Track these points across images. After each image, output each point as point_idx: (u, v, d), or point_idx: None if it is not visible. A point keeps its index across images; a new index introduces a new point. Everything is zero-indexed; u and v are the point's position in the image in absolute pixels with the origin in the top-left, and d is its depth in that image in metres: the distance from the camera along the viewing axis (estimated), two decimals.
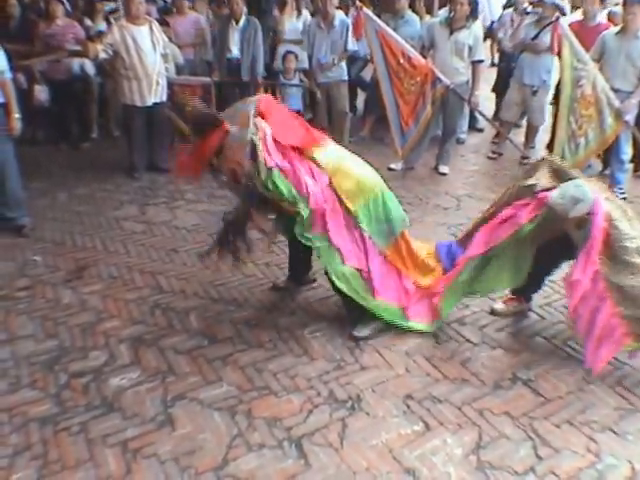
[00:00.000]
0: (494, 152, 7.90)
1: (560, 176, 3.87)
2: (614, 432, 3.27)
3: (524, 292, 4.34)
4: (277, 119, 3.80)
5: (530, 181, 3.90)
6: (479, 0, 7.21)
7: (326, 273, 4.04)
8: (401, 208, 4.22)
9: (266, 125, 3.69)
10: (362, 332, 4.06)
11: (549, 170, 3.92)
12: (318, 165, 3.80)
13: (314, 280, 4.76)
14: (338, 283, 3.96)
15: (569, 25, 7.39)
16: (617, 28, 6.52)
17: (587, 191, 3.59)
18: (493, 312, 4.37)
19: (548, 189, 3.74)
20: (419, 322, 4.13)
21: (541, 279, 4.31)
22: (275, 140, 3.69)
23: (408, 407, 3.42)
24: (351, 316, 4.15)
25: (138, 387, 3.55)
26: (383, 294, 4.06)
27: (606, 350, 3.58)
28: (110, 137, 8.52)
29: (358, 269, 3.97)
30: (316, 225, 3.82)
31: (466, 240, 4.21)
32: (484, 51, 7.17)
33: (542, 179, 3.86)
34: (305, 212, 3.71)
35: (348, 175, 3.89)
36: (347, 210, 3.89)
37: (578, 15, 7.92)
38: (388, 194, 4.07)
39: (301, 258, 4.57)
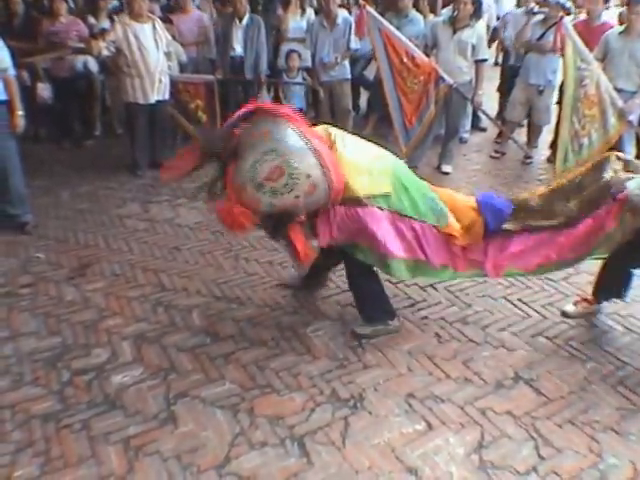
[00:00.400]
0: (497, 151, 7.89)
1: (631, 169, 3.82)
2: (616, 432, 3.26)
3: (598, 293, 4.29)
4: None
5: (605, 176, 3.77)
6: (484, 0, 7.21)
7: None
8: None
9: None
10: (364, 330, 4.07)
11: (619, 164, 3.84)
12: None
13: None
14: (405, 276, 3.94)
15: (574, 25, 7.40)
16: (621, 28, 6.51)
17: None
18: (564, 314, 4.33)
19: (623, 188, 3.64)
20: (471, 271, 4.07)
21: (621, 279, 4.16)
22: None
23: (410, 406, 3.42)
24: (362, 313, 4.14)
25: (140, 384, 3.55)
26: (440, 261, 3.94)
27: None
28: (113, 135, 8.53)
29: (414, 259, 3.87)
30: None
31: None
32: (487, 50, 7.15)
33: (619, 172, 3.78)
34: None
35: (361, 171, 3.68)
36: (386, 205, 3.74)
37: (583, 15, 7.92)
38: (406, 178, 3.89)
39: (327, 269, 4.59)
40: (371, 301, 4.11)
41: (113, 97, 8.30)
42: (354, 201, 3.63)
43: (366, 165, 3.70)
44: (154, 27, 6.56)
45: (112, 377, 3.61)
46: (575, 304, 4.37)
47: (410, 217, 3.81)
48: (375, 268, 3.98)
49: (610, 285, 4.18)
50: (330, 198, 3.52)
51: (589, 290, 4.41)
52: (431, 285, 4.67)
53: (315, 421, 3.30)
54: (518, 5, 9.37)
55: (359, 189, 3.62)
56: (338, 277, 4.74)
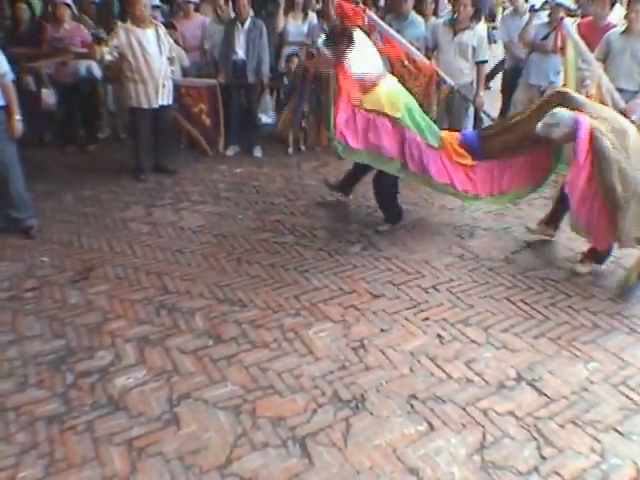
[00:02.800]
0: None
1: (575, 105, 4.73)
2: (618, 432, 3.26)
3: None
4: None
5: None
6: None
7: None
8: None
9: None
10: (383, 227, 5.67)
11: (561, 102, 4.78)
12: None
13: (344, 201, 6.39)
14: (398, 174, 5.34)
15: (579, 25, 7.42)
16: (622, 28, 6.51)
17: (563, 115, 4.52)
18: (576, 273, 4.95)
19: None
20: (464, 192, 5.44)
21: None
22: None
23: (412, 407, 3.43)
24: (385, 213, 5.78)
25: (144, 386, 3.57)
26: (439, 178, 5.33)
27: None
28: (116, 139, 8.56)
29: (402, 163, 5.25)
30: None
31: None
32: (488, 52, 7.17)
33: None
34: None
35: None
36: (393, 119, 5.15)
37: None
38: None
39: (353, 179, 6.24)
40: (392, 217, 5.73)
41: (117, 102, 8.33)
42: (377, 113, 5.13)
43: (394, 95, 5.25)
44: (157, 32, 6.59)
45: (116, 379, 3.63)
46: (582, 263, 5.00)
47: (415, 134, 5.20)
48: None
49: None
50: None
51: (591, 290, 4.54)
52: (433, 287, 4.70)
53: (317, 422, 3.31)
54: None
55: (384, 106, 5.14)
56: (340, 279, 4.78)
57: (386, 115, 5.14)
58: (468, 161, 5.41)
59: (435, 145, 5.32)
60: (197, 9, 8.70)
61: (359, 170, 6.04)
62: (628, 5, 6.47)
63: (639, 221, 4.46)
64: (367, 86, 5.15)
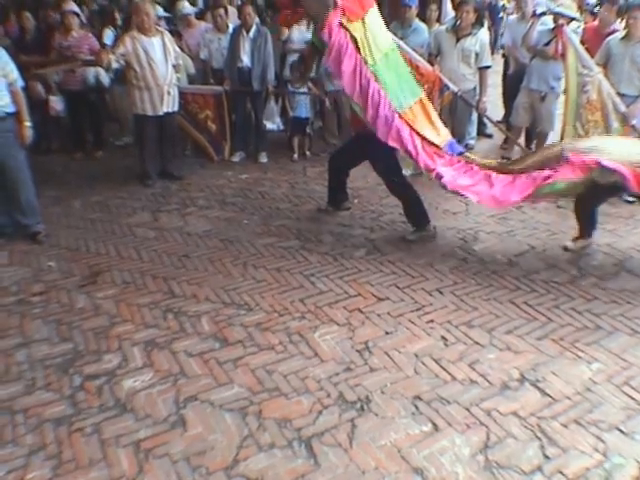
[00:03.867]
0: (503, 157, 7.87)
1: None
2: (621, 431, 3.29)
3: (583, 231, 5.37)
4: None
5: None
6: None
7: None
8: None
9: None
10: (412, 236, 5.59)
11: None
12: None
13: (349, 208, 6.25)
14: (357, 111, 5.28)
15: (585, 29, 7.49)
16: (622, 33, 6.57)
17: None
18: (565, 248, 5.38)
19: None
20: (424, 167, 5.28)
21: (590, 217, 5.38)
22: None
23: (417, 408, 3.46)
24: (409, 219, 5.71)
25: (151, 389, 3.61)
26: (391, 141, 5.20)
27: None
28: (123, 146, 8.61)
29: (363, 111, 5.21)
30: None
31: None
32: (490, 57, 7.22)
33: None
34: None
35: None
36: (365, 62, 5.14)
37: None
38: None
39: (338, 186, 6.11)
40: (413, 204, 5.62)
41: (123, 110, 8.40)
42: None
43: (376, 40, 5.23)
44: (163, 40, 6.66)
45: (123, 382, 3.67)
46: (574, 241, 5.38)
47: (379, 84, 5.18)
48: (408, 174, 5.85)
49: (584, 223, 5.36)
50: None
51: (593, 292, 4.61)
52: (437, 290, 4.73)
53: (322, 423, 3.34)
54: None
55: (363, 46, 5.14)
56: (345, 282, 4.81)
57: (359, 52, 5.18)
58: (437, 139, 5.38)
59: (397, 110, 5.23)
60: (202, 17, 8.79)
61: (334, 176, 6.08)
62: (627, 12, 6.54)
63: None
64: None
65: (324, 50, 5.24)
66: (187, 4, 8.78)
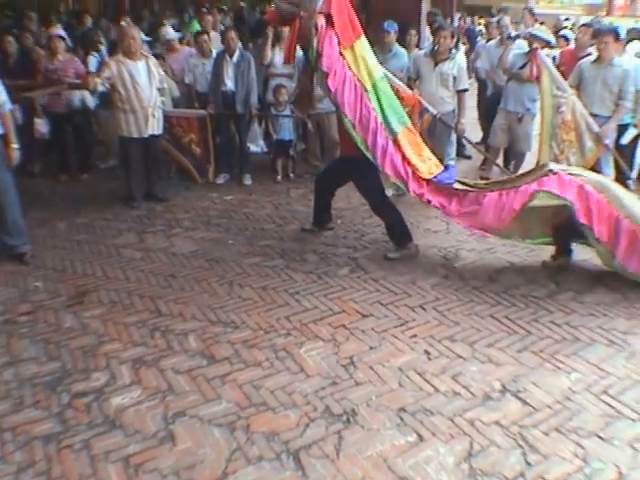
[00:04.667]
0: (482, 177, 8.03)
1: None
2: (601, 438, 3.38)
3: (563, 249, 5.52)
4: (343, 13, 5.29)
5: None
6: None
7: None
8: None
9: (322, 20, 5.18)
10: (394, 255, 5.66)
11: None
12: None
13: (332, 228, 6.35)
14: (355, 138, 5.39)
15: (562, 53, 7.71)
16: (594, 57, 6.79)
17: None
18: (544, 264, 5.53)
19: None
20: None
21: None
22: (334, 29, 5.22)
23: (402, 419, 3.53)
24: (392, 238, 5.81)
25: (139, 405, 3.64)
26: (387, 168, 5.41)
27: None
28: (108, 169, 8.63)
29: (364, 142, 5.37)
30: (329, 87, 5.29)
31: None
32: (467, 80, 7.39)
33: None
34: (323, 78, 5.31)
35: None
36: (365, 90, 5.33)
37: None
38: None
39: (324, 206, 6.22)
40: (395, 223, 5.76)
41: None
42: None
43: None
44: (147, 64, 6.76)
45: (111, 399, 3.70)
46: (552, 258, 5.53)
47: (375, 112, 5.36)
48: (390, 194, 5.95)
49: (563, 243, 5.49)
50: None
51: (571, 305, 4.78)
52: (420, 306, 4.82)
53: (309, 436, 3.40)
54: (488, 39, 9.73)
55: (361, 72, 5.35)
56: (330, 300, 4.89)
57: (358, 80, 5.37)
58: (424, 169, 5.51)
59: (390, 137, 5.41)
60: (187, 42, 8.93)
61: (321, 197, 6.22)
62: (596, 37, 6.77)
63: None
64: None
65: (318, 72, 5.40)
66: (170, 29, 8.91)
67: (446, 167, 5.86)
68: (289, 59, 5.76)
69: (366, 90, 5.36)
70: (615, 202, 4.92)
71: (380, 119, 5.38)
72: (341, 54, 5.29)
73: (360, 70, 5.35)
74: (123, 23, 9.91)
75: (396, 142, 5.43)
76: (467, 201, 5.38)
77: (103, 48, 9.18)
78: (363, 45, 5.48)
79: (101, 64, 7.82)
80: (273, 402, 3.68)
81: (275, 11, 5.69)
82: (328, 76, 5.27)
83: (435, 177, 5.46)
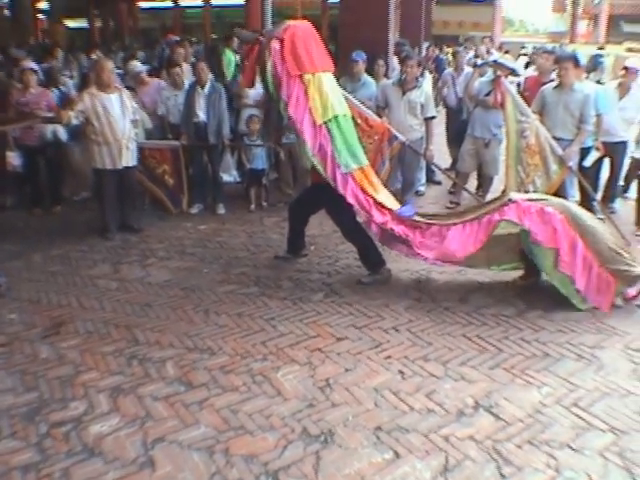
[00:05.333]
0: (452, 202, 8.22)
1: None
2: (572, 448, 3.49)
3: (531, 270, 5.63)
4: (299, 42, 5.39)
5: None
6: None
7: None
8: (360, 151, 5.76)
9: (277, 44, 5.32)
10: (367, 279, 5.78)
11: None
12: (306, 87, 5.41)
13: (306, 255, 6.41)
14: (315, 165, 5.52)
15: (526, 80, 7.94)
16: (555, 82, 7.02)
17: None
18: (514, 284, 5.70)
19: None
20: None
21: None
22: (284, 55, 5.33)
23: (378, 438, 3.59)
24: (365, 264, 5.89)
25: (118, 433, 3.66)
26: (350, 197, 5.49)
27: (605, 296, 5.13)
28: (82, 200, 8.62)
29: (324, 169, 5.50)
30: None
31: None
32: (435, 108, 7.56)
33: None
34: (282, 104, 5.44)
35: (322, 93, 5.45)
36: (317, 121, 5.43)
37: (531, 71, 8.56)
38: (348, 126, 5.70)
39: (298, 234, 6.29)
40: (367, 248, 5.84)
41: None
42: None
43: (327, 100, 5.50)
44: (121, 97, 6.85)
45: (90, 427, 3.71)
46: (521, 278, 5.72)
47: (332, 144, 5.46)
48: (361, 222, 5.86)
49: (530, 264, 5.50)
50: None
51: (540, 323, 4.93)
52: (393, 328, 4.91)
53: (288, 457, 3.45)
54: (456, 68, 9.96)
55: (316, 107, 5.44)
56: (305, 324, 4.96)
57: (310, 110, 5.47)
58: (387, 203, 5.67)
59: (343, 170, 5.50)
60: (157, 74, 9.02)
61: (295, 225, 6.30)
62: (557, 63, 7.00)
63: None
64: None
65: (279, 102, 5.50)
66: (138, 63, 9.01)
67: (405, 202, 6.16)
68: (249, 83, 5.88)
69: (319, 122, 5.45)
70: (574, 222, 5.10)
71: (335, 154, 5.48)
72: (301, 81, 5.41)
73: (314, 101, 5.44)
74: (94, 56, 10.00)
75: (352, 176, 5.54)
76: (429, 233, 5.52)
77: (70, 82, 9.28)
78: (324, 80, 5.56)
79: (63, 99, 7.95)
80: (251, 425, 3.72)
81: (237, 34, 5.94)
82: (288, 103, 5.39)
83: (396, 211, 5.62)
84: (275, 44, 5.33)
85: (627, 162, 7.94)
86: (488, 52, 10.40)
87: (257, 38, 5.47)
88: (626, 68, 7.60)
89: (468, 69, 9.31)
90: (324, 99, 5.48)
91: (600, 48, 21.30)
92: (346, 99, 6.29)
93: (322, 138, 5.46)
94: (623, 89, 7.57)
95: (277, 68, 5.35)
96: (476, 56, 9.75)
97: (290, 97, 5.38)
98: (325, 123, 5.47)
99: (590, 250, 5.09)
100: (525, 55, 20.20)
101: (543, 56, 7.96)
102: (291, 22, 5.50)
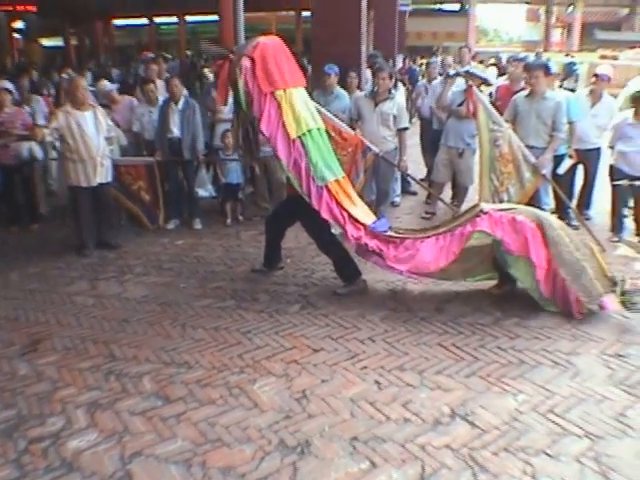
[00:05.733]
0: (427, 212, 8.29)
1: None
2: (548, 455, 3.53)
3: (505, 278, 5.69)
4: (269, 59, 5.44)
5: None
6: None
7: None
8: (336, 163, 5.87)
9: (248, 62, 5.36)
10: (343, 290, 5.83)
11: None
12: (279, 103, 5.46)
13: (282, 267, 6.46)
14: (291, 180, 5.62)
15: (498, 89, 8.04)
16: (527, 91, 7.12)
17: None
18: (490, 291, 5.75)
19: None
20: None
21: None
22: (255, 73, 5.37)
23: (354, 448, 3.62)
24: (341, 275, 5.96)
25: (96, 448, 3.67)
26: (324, 212, 5.56)
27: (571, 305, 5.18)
28: (59, 217, 8.57)
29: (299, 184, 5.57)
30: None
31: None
32: (408, 119, 7.63)
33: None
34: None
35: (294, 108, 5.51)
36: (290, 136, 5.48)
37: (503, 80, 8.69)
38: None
39: (275, 247, 6.33)
40: (343, 260, 5.90)
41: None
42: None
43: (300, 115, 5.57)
44: (95, 114, 6.87)
45: (68, 443, 3.72)
46: (496, 287, 5.75)
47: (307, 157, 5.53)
48: (336, 233, 5.96)
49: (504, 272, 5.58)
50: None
51: (516, 330, 4.98)
52: (369, 338, 4.95)
53: (265, 468, 3.48)
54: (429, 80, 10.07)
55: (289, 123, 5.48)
56: (281, 337, 4.99)
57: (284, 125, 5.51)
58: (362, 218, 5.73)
59: (319, 183, 5.57)
60: (133, 92, 9.04)
61: (272, 238, 6.33)
62: (528, 71, 7.11)
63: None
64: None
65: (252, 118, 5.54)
66: (107, 82, 9.03)
67: (379, 217, 6.21)
68: (222, 101, 5.91)
69: (293, 136, 5.50)
70: (544, 231, 5.18)
71: (311, 167, 5.54)
72: (274, 97, 5.45)
73: (287, 116, 5.49)
74: (65, 75, 10.02)
75: (327, 189, 5.60)
76: (403, 247, 5.58)
77: (40, 99, 9.27)
78: (295, 95, 5.63)
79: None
80: (228, 438, 3.74)
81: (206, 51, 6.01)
82: (260, 120, 5.44)
83: (370, 225, 5.69)
84: (246, 62, 5.36)
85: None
86: (455, 61, 10.48)
87: (227, 55, 5.50)
88: (596, 75, 7.72)
89: (437, 80, 9.46)
90: (297, 114, 5.53)
91: (567, 55, 21.63)
92: (319, 112, 6.35)
93: (296, 153, 5.51)
94: (595, 96, 7.67)
95: (248, 85, 5.39)
96: (442, 66, 9.81)
97: (262, 114, 5.42)
98: (299, 137, 5.52)
99: (557, 261, 5.15)
100: (495, 65, 20.40)
101: (513, 64, 8.06)
102: (261, 38, 5.54)
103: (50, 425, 3.91)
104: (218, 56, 5.67)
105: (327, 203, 5.56)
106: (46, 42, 31.64)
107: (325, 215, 5.57)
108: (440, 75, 9.46)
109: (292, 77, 5.63)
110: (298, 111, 5.54)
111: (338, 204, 5.62)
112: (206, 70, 11.25)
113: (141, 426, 3.88)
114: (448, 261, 5.35)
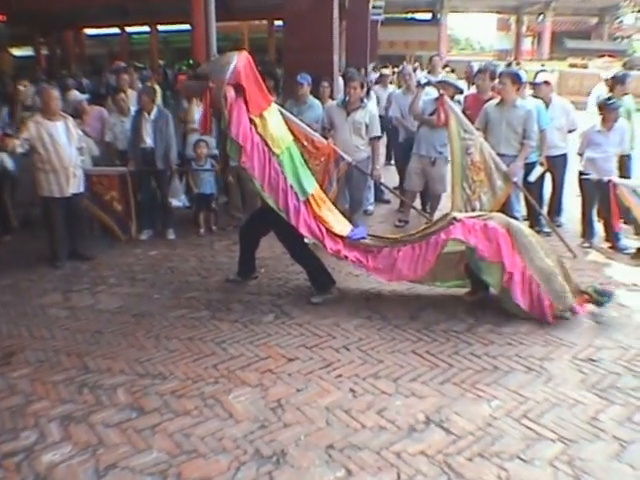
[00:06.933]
0: (400, 220, 8.33)
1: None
2: (522, 459, 3.57)
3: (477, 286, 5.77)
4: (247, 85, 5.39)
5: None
6: None
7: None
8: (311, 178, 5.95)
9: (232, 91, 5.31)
10: (317, 299, 5.84)
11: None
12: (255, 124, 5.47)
13: (256, 277, 6.47)
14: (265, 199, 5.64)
15: (466, 98, 8.12)
16: (497, 99, 7.20)
17: None
18: (463, 298, 5.82)
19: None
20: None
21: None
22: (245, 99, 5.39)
23: (330, 456, 3.64)
24: (314, 284, 5.98)
25: (70, 461, 3.65)
26: (302, 228, 5.64)
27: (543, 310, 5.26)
28: (31, 229, 8.49)
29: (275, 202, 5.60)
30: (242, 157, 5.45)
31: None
32: (379, 128, 7.68)
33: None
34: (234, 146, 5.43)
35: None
36: (273, 154, 5.55)
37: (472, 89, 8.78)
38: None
39: (249, 256, 6.36)
40: (316, 269, 5.96)
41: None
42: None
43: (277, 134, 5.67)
44: (66, 124, 6.83)
45: (42, 457, 3.69)
46: (469, 294, 5.84)
47: (284, 175, 5.60)
48: (309, 243, 5.96)
49: (477, 280, 5.68)
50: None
51: (490, 337, 5.04)
52: (344, 346, 4.97)
53: (241, 479, 3.48)
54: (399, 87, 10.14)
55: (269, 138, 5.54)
56: (256, 347, 4.99)
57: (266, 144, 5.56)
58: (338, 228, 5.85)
59: (301, 197, 5.68)
60: (104, 102, 9.00)
61: (246, 248, 6.37)
62: (498, 79, 7.20)
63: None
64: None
65: (228, 140, 5.50)
66: (77, 92, 8.99)
67: (355, 224, 6.37)
68: (205, 130, 5.90)
69: (274, 154, 5.57)
70: (514, 237, 5.30)
71: (290, 181, 5.62)
72: (251, 121, 5.45)
73: (268, 136, 5.54)
74: (21, 87, 9.93)
75: (307, 202, 5.70)
76: (381, 257, 5.70)
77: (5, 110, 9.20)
78: (272, 113, 5.73)
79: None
80: (204, 449, 3.74)
81: (183, 88, 5.91)
82: (240, 144, 5.42)
83: (348, 234, 5.80)
84: (230, 91, 5.33)
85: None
86: (415, 70, 10.60)
87: (205, 88, 5.44)
88: (533, 85, 7.98)
89: (391, 88, 9.54)
90: (274, 135, 5.60)
91: (542, 65, 21.88)
92: (292, 122, 6.39)
93: (272, 171, 5.55)
94: (546, 101, 7.76)
95: (231, 112, 5.36)
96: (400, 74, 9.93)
97: (244, 139, 5.42)
98: (277, 156, 5.59)
99: (529, 267, 5.25)
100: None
101: (480, 76, 8.13)
102: (234, 59, 5.39)
103: (23, 439, 3.87)
104: (197, 89, 5.66)
105: (305, 220, 5.63)
106: (17, 52, 31.34)
107: (303, 231, 5.67)
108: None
109: (262, 99, 5.65)
110: (273, 131, 5.61)
111: (316, 218, 5.71)
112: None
113: (116, 438, 3.85)
114: (423, 270, 5.48)
